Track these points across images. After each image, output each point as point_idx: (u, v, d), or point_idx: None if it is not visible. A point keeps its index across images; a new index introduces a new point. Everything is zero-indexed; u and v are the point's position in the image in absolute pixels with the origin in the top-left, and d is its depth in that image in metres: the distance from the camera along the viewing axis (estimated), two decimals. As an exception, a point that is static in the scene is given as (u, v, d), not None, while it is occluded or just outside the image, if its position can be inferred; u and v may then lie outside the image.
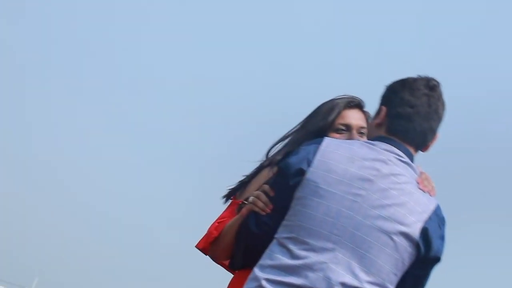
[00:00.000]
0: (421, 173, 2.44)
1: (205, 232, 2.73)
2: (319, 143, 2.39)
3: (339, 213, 2.27)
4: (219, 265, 2.80)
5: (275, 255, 2.31)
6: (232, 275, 2.76)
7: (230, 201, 2.83)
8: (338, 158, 2.33)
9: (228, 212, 2.75)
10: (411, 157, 2.42)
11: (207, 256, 2.75)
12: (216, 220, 2.73)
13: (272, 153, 2.84)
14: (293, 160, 2.37)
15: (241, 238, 2.52)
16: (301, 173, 2.33)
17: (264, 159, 2.84)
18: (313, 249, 2.27)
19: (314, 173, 2.32)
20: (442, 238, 2.38)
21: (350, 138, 2.74)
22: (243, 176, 2.84)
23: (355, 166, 2.32)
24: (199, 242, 2.73)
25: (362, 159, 2.34)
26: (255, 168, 2.83)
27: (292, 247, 2.29)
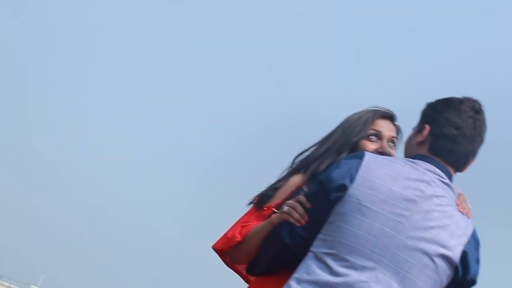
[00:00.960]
0: (459, 194, 2.44)
1: (223, 233, 2.69)
2: (361, 158, 2.37)
3: (382, 232, 2.25)
4: (229, 268, 2.76)
5: (312, 270, 2.28)
6: (241, 279, 2.75)
7: (252, 205, 2.79)
8: (382, 176, 2.31)
9: (252, 216, 2.72)
10: (450, 178, 2.42)
11: (220, 257, 2.72)
12: (238, 223, 2.70)
13: (299, 160, 2.83)
14: (335, 174, 2.34)
15: (270, 246, 2.48)
16: (343, 188, 2.30)
17: (291, 165, 2.83)
18: (353, 267, 2.24)
19: (357, 189, 2.29)
20: (478, 261, 2.39)
21: (381, 146, 2.77)
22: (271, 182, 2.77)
23: (399, 186, 2.30)
24: (217, 243, 2.70)
25: (406, 179, 2.32)
26: (285, 174, 2.81)
27: (331, 263, 2.26)
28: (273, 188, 2.76)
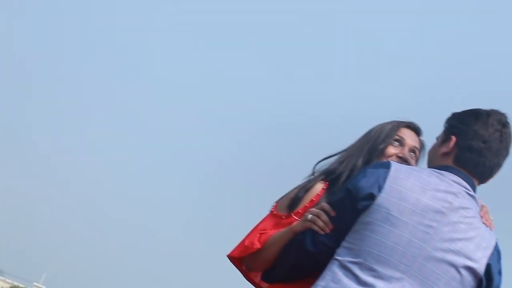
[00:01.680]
0: (482, 206, 2.46)
1: (240, 240, 2.69)
2: (388, 167, 2.38)
3: (410, 243, 2.27)
4: (243, 276, 2.75)
5: (339, 279, 2.28)
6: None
7: (270, 211, 2.77)
8: (410, 187, 2.32)
9: (269, 224, 2.72)
10: (475, 189, 2.44)
11: (235, 265, 2.72)
12: (256, 231, 2.70)
13: (323, 168, 2.84)
14: (363, 183, 2.35)
15: (290, 253, 2.49)
16: (371, 197, 2.31)
17: (312, 173, 2.84)
18: (380, 277, 2.25)
19: (385, 199, 2.30)
20: (500, 273, 2.42)
21: (402, 152, 2.80)
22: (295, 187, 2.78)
23: (427, 197, 2.32)
24: (233, 251, 2.70)
25: (434, 190, 2.34)
26: (307, 181, 2.82)
27: (358, 272, 2.27)
28: (305, 190, 2.76)
